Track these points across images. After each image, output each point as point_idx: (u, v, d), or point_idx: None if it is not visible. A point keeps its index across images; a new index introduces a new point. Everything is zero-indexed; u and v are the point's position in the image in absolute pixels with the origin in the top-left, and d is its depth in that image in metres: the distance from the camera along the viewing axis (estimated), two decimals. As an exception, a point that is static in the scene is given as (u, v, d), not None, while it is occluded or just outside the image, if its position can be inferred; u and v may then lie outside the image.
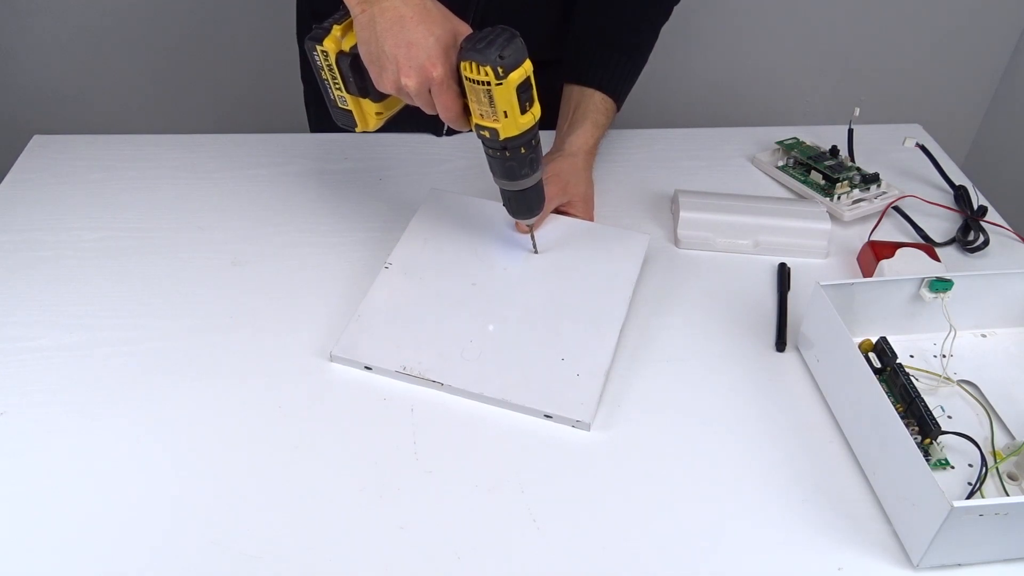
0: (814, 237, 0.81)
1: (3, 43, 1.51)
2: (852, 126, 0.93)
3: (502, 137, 0.65)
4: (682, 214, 0.82)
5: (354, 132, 0.73)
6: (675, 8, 0.90)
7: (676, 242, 0.83)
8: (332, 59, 0.67)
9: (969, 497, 0.58)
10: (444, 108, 0.66)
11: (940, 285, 0.68)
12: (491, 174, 0.71)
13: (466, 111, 0.66)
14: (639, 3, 0.87)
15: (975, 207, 0.87)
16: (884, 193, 0.88)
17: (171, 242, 0.81)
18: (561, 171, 0.81)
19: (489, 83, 0.62)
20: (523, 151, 0.67)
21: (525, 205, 0.73)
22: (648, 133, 0.99)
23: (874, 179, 0.88)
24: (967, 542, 0.54)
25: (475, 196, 0.83)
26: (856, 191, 0.87)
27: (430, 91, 0.65)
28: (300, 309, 0.74)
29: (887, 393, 0.59)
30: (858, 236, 0.84)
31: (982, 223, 0.85)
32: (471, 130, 0.68)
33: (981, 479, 0.59)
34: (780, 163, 0.93)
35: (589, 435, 0.64)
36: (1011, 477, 0.60)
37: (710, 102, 1.69)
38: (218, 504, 0.58)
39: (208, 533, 0.56)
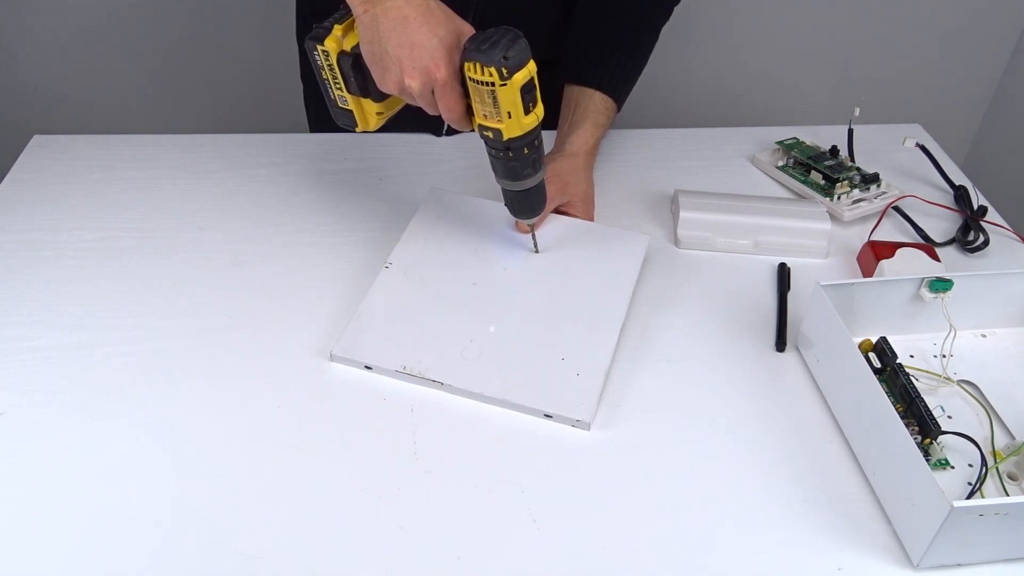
0: (814, 237, 0.81)
1: (3, 43, 1.51)
2: (852, 126, 0.93)
3: (505, 138, 0.65)
4: (682, 214, 0.82)
5: (354, 132, 0.73)
6: (675, 8, 0.90)
7: (676, 242, 0.83)
8: (333, 59, 0.67)
9: (969, 497, 0.58)
10: (447, 109, 0.66)
11: (940, 285, 0.68)
12: (493, 174, 0.71)
13: (469, 112, 0.66)
14: (639, 3, 0.87)
15: (975, 207, 0.87)
16: (884, 193, 0.88)
17: (171, 242, 0.81)
18: (561, 171, 0.81)
19: (493, 84, 0.62)
20: (526, 151, 0.67)
21: (527, 205, 0.73)
22: (648, 133, 0.99)
23: (874, 179, 0.88)
24: (967, 542, 0.54)
25: (475, 196, 0.83)
26: (856, 191, 0.87)
27: (433, 92, 0.65)
28: (300, 309, 0.74)
29: (887, 393, 0.59)
30: (858, 236, 0.84)
31: (982, 223, 0.85)
32: (473, 130, 0.67)
33: (981, 479, 0.59)
34: (780, 163, 0.93)
35: (589, 435, 0.64)
36: (1011, 477, 0.60)
37: (710, 102, 1.69)
38: (218, 504, 0.58)
39: (208, 533, 0.56)
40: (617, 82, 0.87)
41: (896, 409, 0.58)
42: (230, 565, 0.54)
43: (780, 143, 0.94)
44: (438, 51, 0.63)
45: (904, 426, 0.56)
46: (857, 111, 0.94)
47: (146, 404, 0.65)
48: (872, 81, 1.68)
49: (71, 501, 0.58)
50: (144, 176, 0.89)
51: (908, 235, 0.84)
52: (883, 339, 0.67)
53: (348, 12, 0.67)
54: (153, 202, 0.85)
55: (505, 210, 0.75)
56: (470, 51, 0.62)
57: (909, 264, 0.76)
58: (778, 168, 0.92)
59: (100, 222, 0.83)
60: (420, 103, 0.66)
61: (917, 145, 0.91)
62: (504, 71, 0.61)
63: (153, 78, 1.58)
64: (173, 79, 1.59)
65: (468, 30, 0.65)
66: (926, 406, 0.62)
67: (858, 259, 0.81)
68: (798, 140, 0.94)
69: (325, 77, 0.69)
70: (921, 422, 0.61)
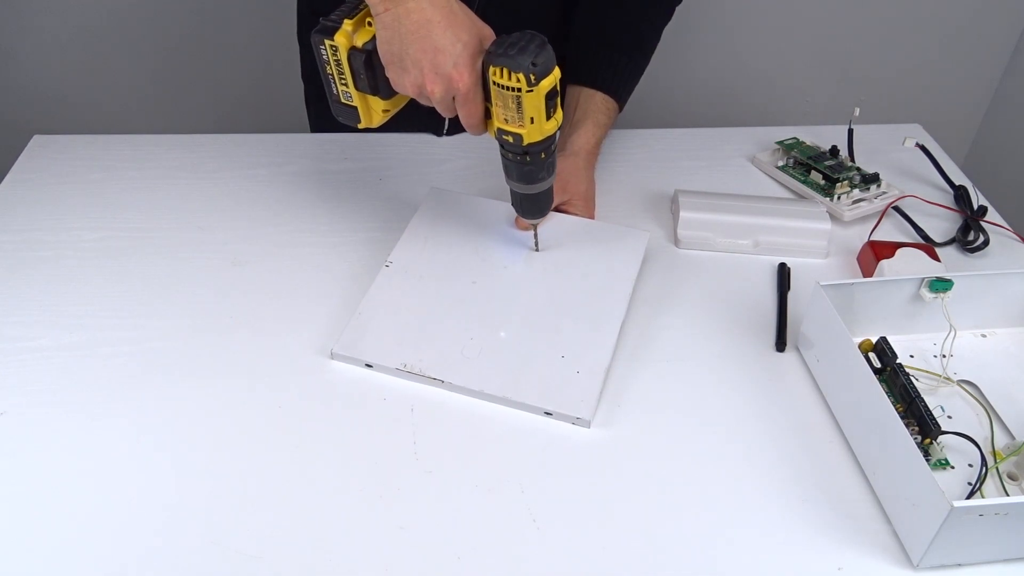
0: (814, 237, 0.81)
1: (3, 43, 1.51)
2: (852, 126, 0.93)
3: (526, 143, 0.65)
4: (682, 214, 0.82)
5: (356, 128, 0.72)
6: (676, 8, 0.90)
7: (676, 242, 0.83)
8: (342, 55, 0.66)
9: (969, 497, 0.58)
10: (467, 115, 0.65)
11: (940, 285, 0.68)
12: (505, 176, 0.70)
13: (485, 115, 0.66)
14: (640, 3, 0.87)
15: (975, 207, 0.87)
16: (884, 193, 0.88)
17: (171, 242, 0.81)
18: (562, 170, 0.81)
19: (520, 89, 0.61)
20: (543, 156, 0.67)
21: (536, 207, 0.73)
22: (648, 133, 0.99)
23: (874, 179, 0.88)
24: (967, 542, 0.54)
25: (475, 195, 0.83)
26: (856, 191, 0.87)
27: (454, 99, 0.64)
28: (300, 309, 0.74)
29: (887, 393, 0.59)
30: (858, 236, 0.84)
31: (982, 223, 0.85)
32: (491, 134, 0.67)
33: (981, 479, 0.59)
34: (780, 163, 0.93)
35: (589, 433, 0.64)
36: (1011, 477, 0.60)
37: (710, 102, 1.69)
38: (218, 504, 0.58)
39: (208, 533, 0.56)
40: (618, 82, 0.87)
41: (896, 409, 0.58)
42: (230, 565, 0.54)
43: (780, 143, 0.94)
44: (462, 57, 0.62)
45: (904, 426, 0.56)
46: (857, 111, 0.94)
47: (146, 404, 0.65)
48: (872, 81, 1.68)
49: (71, 501, 0.58)
50: (144, 176, 0.89)
51: (908, 235, 0.84)
52: (883, 339, 0.67)
53: (357, 5, 0.66)
54: (153, 202, 0.85)
55: (505, 209, 0.75)
56: (497, 56, 0.61)
57: (909, 264, 0.76)
58: (778, 168, 0.92)
59: (100, 222, 0.83)
60: (437, 108, 0.66)
61: (917, 145, 0.91)
62: (532, 77, 0.61)
63: (153, 78, 1.58)
64: (173, 79, 1.59)
65: (489, 33, 0.65)
66: (926, 406, 0.62)
67: (858, 259, 0.81)
68: (798, 140, 0.94)
69: (330, 72, 0.68)
70: (921, 422, 0.61)
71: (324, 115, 0.75)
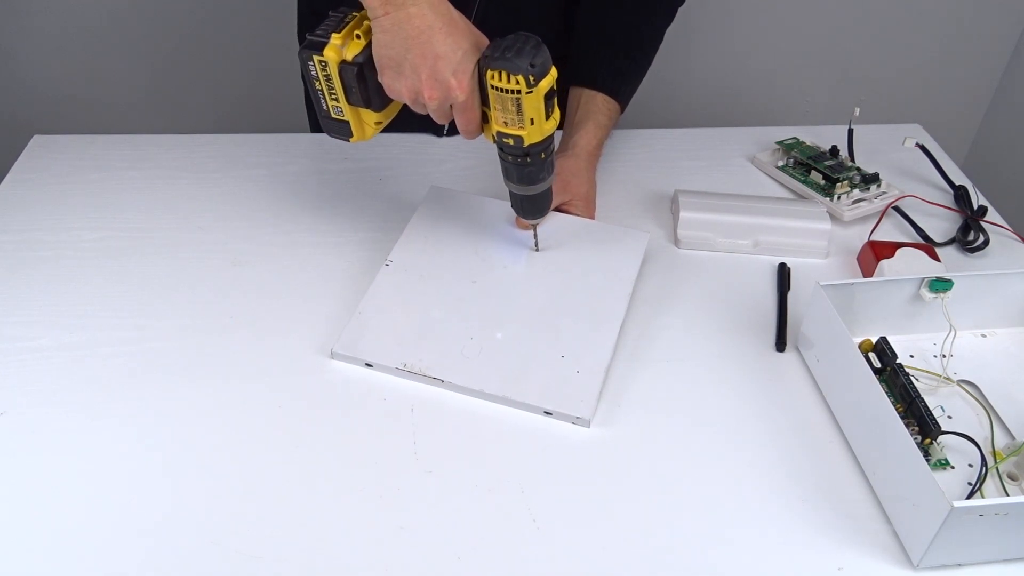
0: (814, 237, 0.81)
1: (3, 43, 1.51)
2: (852, 126, 0.93)
3: (526, 144, 0.65)
4: (682, 214, 0.82)
5: (348, 142, 0.71)
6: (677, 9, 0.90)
7: (676, 242, 0.83)
8: (332, 69, 0.65)
9: (969, 497, 0.58)
10: (465, 123, 0.65)
11: (940, 285, 0.68)
12: (504, 178, 0.70)
13: (482, 120, 0.66)
14: (642, 4, 0.87)
15: (975, 207, 0.87)
16: (884, 193, 0.88)
17: (171, 242, 0.81)
18: (562, 170, 0.81)
19: (519, 92, 0.61)
20: (543, 156, 0.67)
21: (536, 207, 0.73)
22: (648, 133, 0.99)
23: (874, 179, 0.88)
24: (967, 542, 0.54)
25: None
26: (856, 191, 0.87)
27: (450, 106, 0.64)
28: (300, 309, 0.74)
29: (887, 393, 0.59)
30: (858, 236, 0.84)
31: (982, 223, 0.85)
32: (488, 138, 0.67)
33: (981, 479, 0.59)
34: (780, 163, 0.93)
35: (589, 432, 0.64)
36: (1011, 477, 0.60)
37: (710, 102, 1.69)
38: (218, 504, 0.58)
39: (208, 533, 0.56)
40: (619, 83, 0.87)
41: (896, 409, 0.58)
42: (230, 565, 0.54)
43: (780, 143, 0.94)
44: (462, 65, 0.62)
45: (904, 426, 0.56)
46: (857, 111, 0.94)
47: (146, 404, 0.65)
48: (872, 81, 1.68)
49: (71, 501, 0.58)
50: (144, 176, 0.89)
51: (908, 235, 0.84)
52: (883, 339, 0.67)
53: (343, 18, 0.65)
54: (153, 202, 0.85)
55: (505, 208, 0.75)
56: (494, 59, 0.61)
57: (909, 264, 0.76)
58: (778, 168, 0.92)
59: (100, 222, 0.83)
60: (433, 116, 0.65)
61: (917, 145, 0.91)
62: (531, 78, 0.61)
63: (153, 78, 1.58)
64: (173, 79, 1.59)
65: (484, 41, 0.64)
66: (926, 406, 0.62)
67: (858, 259, 0.81)
68: (798, 140, 0.94)
69: (319, 88, 0.67)
70: (921, 422, 0.61)
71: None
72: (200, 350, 0.69)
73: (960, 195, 0.89)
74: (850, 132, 0.93)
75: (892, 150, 0.95)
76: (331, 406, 0.65)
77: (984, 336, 0.72)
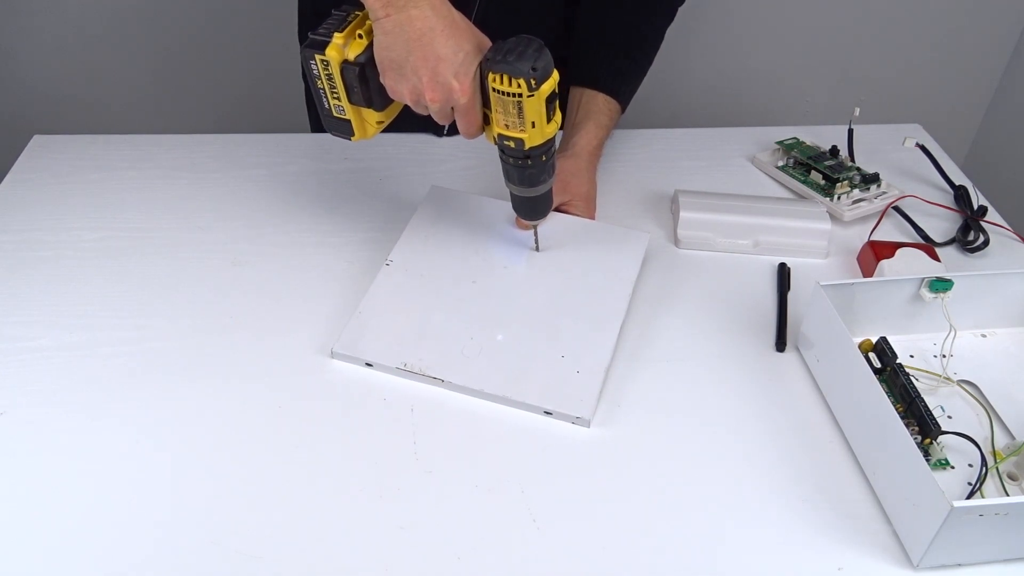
0: (814, 237, 0.81)
1: (3, 43, 1.51)
2: (852, 126, 0.93)
3: (527, 147, 0.65)
4: (682, 214, 0.82)
5: (349, 141, 0.71)
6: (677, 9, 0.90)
7: (676, 242, 0.83)
8: (334, 68, 0.65)
9: (969, 497, 0.58)
10: (467, 124, 0.65)
11: (940, 285, 0.68)
12: (505, 179, 0.70)
13: (483, 122, 0.66)
14: (642, 4, 0.87)
15: (975, 207, 0.87)
16: (884, 193, 0.88)
17: (171, 242, 0.81)
18: (563, 170, 0.81)
19: (521, 95, 0.61)
20: (544, 159, 0.67)
21: (537, 208, 0.73)
22: (648, 133, 0.99)
23: (874, 179, 0.88)
24: (967, 542, 0.54)
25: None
26: (856, 191, 0.87)
27: (452, 108, 0.64)
28: (300, 309, 0.74)
29: (887, 393, 0.59)
30: (858, 236, 0.84)
31: (982, 223, 0.85)
32: (488, 140, 0.67)
33: (981, 479, 0.59)
34: (780, 163, 0.93)
35: (589, 432, 0.64)
36: (1011, 477, 0.60)
37: (710, 102, 1.69)
38: (218, 504, 0.58)
39: (208, 533, 0.56)
40: (620, 84, 0.87)
41: (896, 409, 0.58)
42: (230, 565, 0.54)
43: (780, 143, 0.94)
44: (463, 67, 0.62)
45: (904, 426, 0.56)
46: (857, 111, 0.94)
47: (146, 404, 0.65)
48: (872, 81, 1.68)
49: (71, 501, 0.58)
50: (144, 176, 0.89)
51: (908, 235, 0.84)
52: (883, 339, 0.67)
53: (346, 17, 0.65)
54: (153, 202, 0.85)
55: (505, 208, 0.75)
56: (496, 62, 0.61)
57: (909, 264, 0.76)
58: (778, 168, 0.92)
59: (100, 222, 0.83)
60: (433, 116, 0.65)
61: (917, 145, 0.91)
62: (533, 82, 0.60)
63: (153, 78, 1.58)
64: (173, 79, 1.59)
65: (486, 43, 0.64)
66: (926, 406, 0.62)
67: (858, 259, 0.81)
68: (798, 140, 0.94)
69: (321, 87, 0.67)
70: (921, 422, 0.61)
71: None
72: (200, 350, 0.69)
73: (960, 195, 0.89)
74: (850, 132, 0.93)
75: (892, 150, 0.95)
76: (331, 406, 0.65)
77: (984, 336, 0.72)
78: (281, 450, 0.62)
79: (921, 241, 0.83)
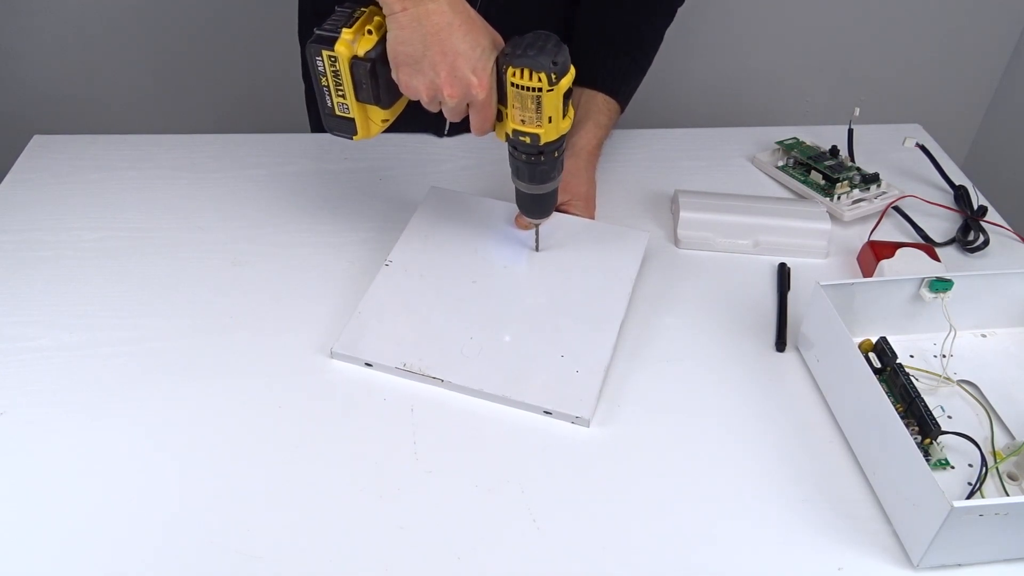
0: (814, 237, 0.81)
1: (3, 43, 1.51)
2: (852, 126, 0.93)
3: (543, 142, 0.65)
4: (682, 214, 0.82)
5: (351, 140, 0.70)
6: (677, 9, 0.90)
7: (676, 242, 0.83)
8: (343, 65, 0.64)
9: (969, 497, 0.58)
10: (481, 120, 0.65)
11: (940, 285, 0.68)
12: (513, 176, 0.70)
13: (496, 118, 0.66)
14: (641, 4, 0.87)
15: (975, 207, 0.87)
16: (884, 193, 0.88)
17: (171, 242, 0.81)
18: (563, 170, 0.81)
19: (540, 89, 0.61)
20: (556, 155, 0.67)
21: (543, 206, 0.73)
22: (648, 133, 0.99)
23: (874, 179, 0.88)
24: (967, 542, 0.54)
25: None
26: (856, 191, 0.87)
27: (468, 104, 0.64)
28: (300, 309, 0.74)
29: (887, 393, 0.59)
30: (858, 236, 0.84)
31: (982, 223, 0.85)
32: (499, 137, 0.66)
33: (981, 479, 0.59)
34: (780, 163, 0.93)
35: (589, 432, 0.64)
36: (1011, 477, 0.60)
37: (710, 102, 1.69)
38: (218, 504, 0.58)
39: (208, 533, 0.56)
40: (619, 83, 0.87)
41: (896, 409, 0.58)
42: (230, 565, 0.54)
43: (780, 143, 0.94)
44: (480, 63, 0.62)
45: (904, 426, 0.56)
46: (857, 111, 0.94)
47: (146, 404, 0.65)
48: (872, 81, 1.68)
49: (71, 501, 0.58)
50: (144, 176, 0.89)
51: (908, 235, 0.84)
52: (883, 339, 0.67)
53: (352, 14, 0.65)
54: (153, 202, 0.85)
55: (505, 209, 0.75)
56: (516, 56, 0.61)
57: (909, 264, 0.76)
58: (778, 168, 0.92)
59: (100, 222, 0.83)
60: (446, 113, 0.65)
61: (917, 145, 0.91)
62: (553, 76, 0.61)
63: (153, 78, 1.58)
64: (173, 79, 1.59)
65: (500, 39, 0.64)
66: (926, 406, 0.62)
67: (858, 259, 0.81)
68: (798, 140, 0.94)
69: (325, 84, 0.66)
70: (921, 422, 0.61)
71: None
72: (200, 350, 0.69)
73: (960, 195, 0.89)
74: (850, 132, 0.93)
75: (892, 150, 0.95)
76: (331, 405, 0.65)
77: (984, 336, 0.72)
78: (281, 450, 0.62)
79: (921, 241, 0.83)
